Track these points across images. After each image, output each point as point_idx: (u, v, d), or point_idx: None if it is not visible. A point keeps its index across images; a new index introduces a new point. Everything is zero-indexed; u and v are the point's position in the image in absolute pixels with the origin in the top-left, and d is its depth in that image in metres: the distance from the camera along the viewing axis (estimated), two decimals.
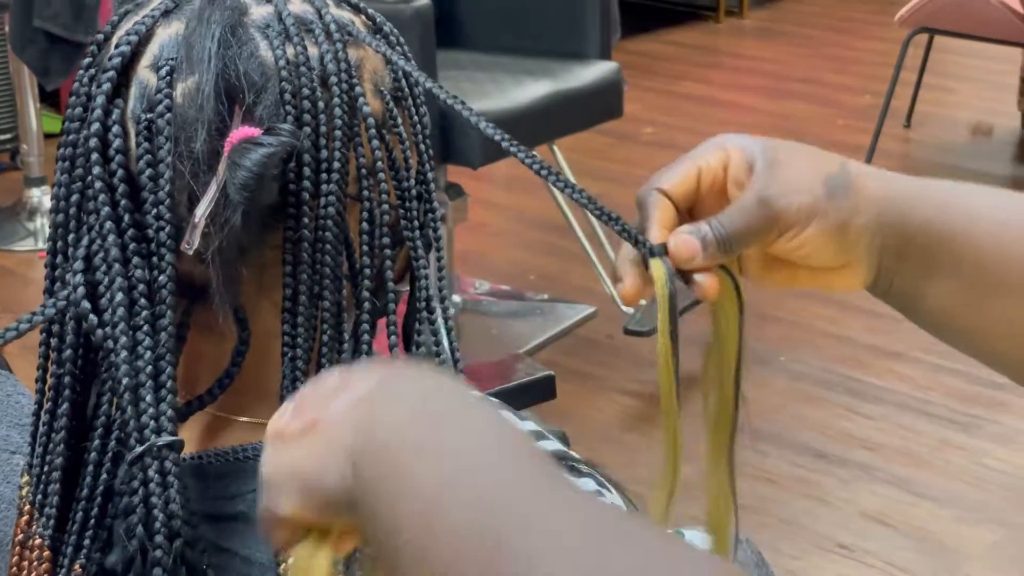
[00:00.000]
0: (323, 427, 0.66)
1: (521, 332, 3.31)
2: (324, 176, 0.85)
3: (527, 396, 1.93)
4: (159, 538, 0.80)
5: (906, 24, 4.25)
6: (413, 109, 0.91)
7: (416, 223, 0.91)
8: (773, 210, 0.78)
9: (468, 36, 3.39)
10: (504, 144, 0.86)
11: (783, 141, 0.82)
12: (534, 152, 0.88)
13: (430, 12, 2.84)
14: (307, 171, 0.84)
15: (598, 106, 3.21)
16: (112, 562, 0.87)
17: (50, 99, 4.45)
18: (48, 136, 4.08)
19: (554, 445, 1.24)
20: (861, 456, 2.83)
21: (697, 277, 0.80)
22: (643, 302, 3.19)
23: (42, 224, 3.92)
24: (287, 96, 0.84)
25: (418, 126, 0.92)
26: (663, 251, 0.80)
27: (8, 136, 4.29)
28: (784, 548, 2.52)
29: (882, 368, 3.17)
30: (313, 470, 0.66)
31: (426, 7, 2.83)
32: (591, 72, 3.20)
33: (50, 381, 0.88)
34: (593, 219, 3.43)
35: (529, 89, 3.07)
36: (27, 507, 0.90)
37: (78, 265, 0.84)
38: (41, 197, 3.96)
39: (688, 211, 0.83)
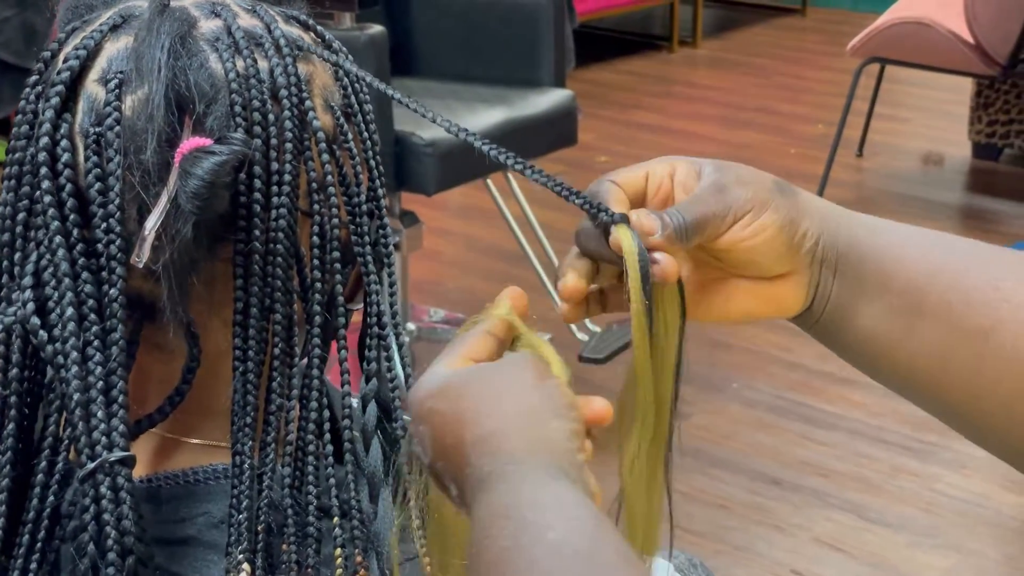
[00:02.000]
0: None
1: None
2: (275, 188, 0.85)
3: None
4: (111, 555, 0.79)
5: (857, 54, 4.29)
6: (363, 126, 0.92)
7: (367, 239, 0.91)
8: (729, 195, 0.80)
9: (422, 63, 3.39)
10: (463, 135, 0.85)
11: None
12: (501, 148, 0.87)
13: (384, 39, 2.85)
14: (258, 183, 0.84)
15: (552, 133, 3.22)
16: None
17: (1, 127, 4.41)
18: (0, 165, 4.05)
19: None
20: (815, 483, 2.84)
21: (658, 255, 0.79)
22: (597, 329, 3.19)
23: None
24: (237, 108, 0.84)
25: (368, 142, 0.92)
26: (625, 219, 0.79)
27: None
28: (739, 574, 2.52)
29: (835, 395, 3.18)
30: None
31: (380, 34, 2.83)
32: (545, 99, 3.21)
33: None
34: (548, 247, 3.44)
35: (483, 116, 3.08)
36: None
37: (27, 281, 0.84)
38: None
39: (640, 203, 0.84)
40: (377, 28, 2.85)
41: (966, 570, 2.57)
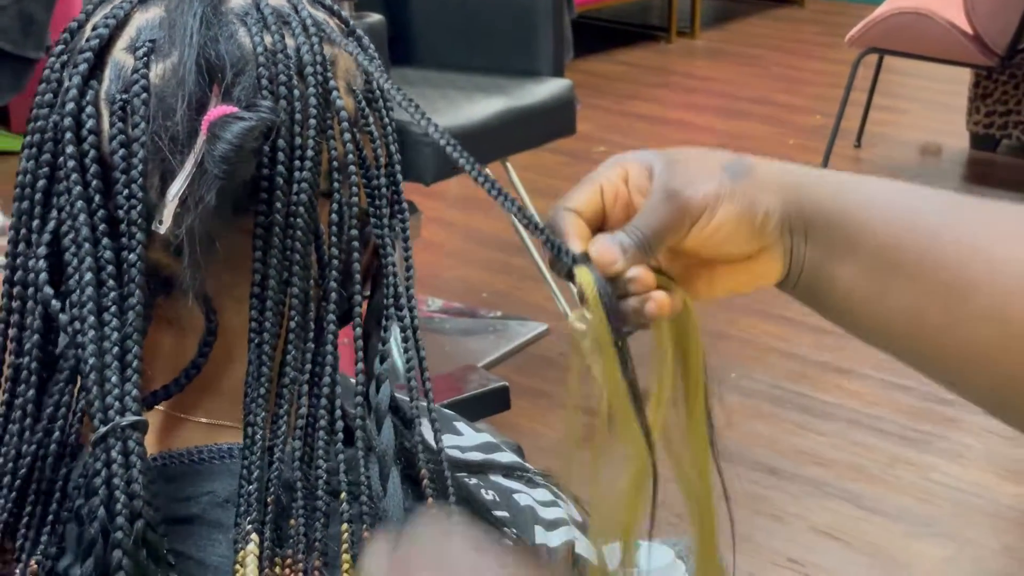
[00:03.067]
0: None
1: (474, 349, 3.30)
2: (298, 163, 0.86)
3: (482, 407, 1.93)
4: (120, 519, 0.79)
5: (856, 44, 4.29)
6: (384, 112, 0.92)
7: (385, 221, 0.92)
8: (681, 200, 0.79)
9: (421, 53, 3.40)
10: (452, 152, 0.86)
11: (678, 147, 0.84)
12: (487, 170, 0.88)
13: (383, 29, 2.85)
14: (281, 156, 0.85)
15: (551, 123, 3.22)
16: (64, 565, 0.87)
17: (0, 116, 4.42)
18: (1, 154, 4.05)
19: (509, 457, 1.24)
20: (812, 472, 2.85)
21: (655, 294, 0.80)
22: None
23: None
24: (264, 82, 0.85)
25: (388, 127, 0.93)
26: (586, 258, 0.80)
27: None
28: (737, 563, 2.52)
29: (832, 385, 3.19)
30: None
31: (379, 23, 2.83)
32: (544, 89, 3.21)
33: (7, 372, 0.88)
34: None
35: (481, 106, 3.08)
36: None
37: (42, 250, 0.85)
38: None
39: (598, 229, 0.83)
40: (376, 17, 2.85)
41: (963, 559, 2.58)
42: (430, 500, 0.89)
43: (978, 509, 2.73)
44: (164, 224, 0.83)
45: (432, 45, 3.39)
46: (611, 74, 5.81)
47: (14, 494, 0.87)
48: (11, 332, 0.88)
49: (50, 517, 0.87)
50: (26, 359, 0.86)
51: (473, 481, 1.05)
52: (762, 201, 0.81)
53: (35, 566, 0.87)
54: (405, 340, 0.93)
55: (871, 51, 4.32)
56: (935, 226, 0.80)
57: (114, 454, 0.80)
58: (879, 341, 0.85)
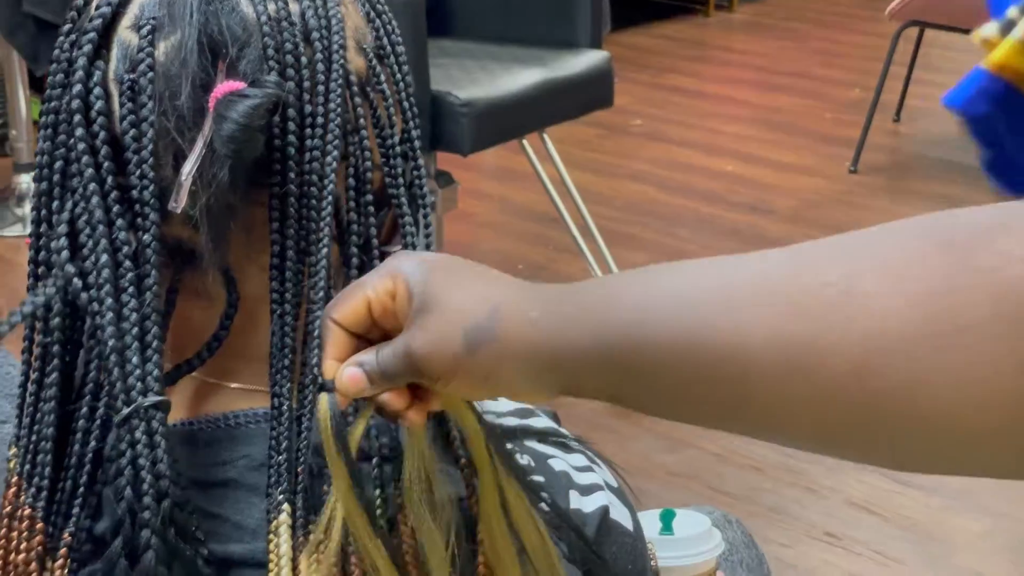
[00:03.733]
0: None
1: None
2: (309, 132, 0.85)
3: None
4: (147, 499, 0.80)
5: (896, 17, 4.26)
6: (396, 68, 0.92)
7: (401, 182, 0.91)
8: (415, 365, 0.77)
9: (459, 24, 3.39)
10: None
11: (451, 264, 0.79)
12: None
13: (421, 0, 2.84)
14: (292, 126, 0.85)
15: (589, 95, 3.21)
16: (102, 529, 0.87)
17: (39, 85, 4.43)
18: (37, 123, 4.07)
19: (544, 422, 1.24)
20: None
21: (406, 415, 0.80)
22: None
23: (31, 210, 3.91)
24: (270, 52, 0.84)
25: (401, 84, 0.92)
26: (329, 387, 0.80)
27: None
28: (772, 536, 2.52)
29: None
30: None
31: None
32: (582, 61, 3.20)
33: (36, 350, 0.88)
34: (584, 209, 3.43)
35: (520, 77, 3.07)
36: (15, 479, 0.90)
37: (62, 229, 0.85)
38: (30, 183, 3.93)
39: (369, 330, 0.81)
40: None
41: (999, 533, 2.57)
42: (463, 460, 0.89)
43: (1015, 483, 2.71)
44: (179, 204, 0.83)
45: (470, 16, 3.38)
46: (648, 47, 5.78)
47: (48, 469, 0.88)
48: (38, 312, 0.88)
49: (81, 490, 0.88)
50: (51, 338, 0.87)
51: (508, 446, 1.05)
52: (502, 372, 0.76)
53: (68, 537, 0.88)
54: None
55: (912, 24, 4.28)
56: (699, 328, 0.70)
57: (138, 435, 0.81)
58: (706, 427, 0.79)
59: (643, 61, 5.54)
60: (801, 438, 0.69)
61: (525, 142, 3.33)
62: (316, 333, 0.85)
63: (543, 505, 0.97)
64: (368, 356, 0.79)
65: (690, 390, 0.71)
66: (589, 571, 0.94)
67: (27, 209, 3.90)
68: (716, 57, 5.76)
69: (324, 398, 0.80)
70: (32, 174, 3.54)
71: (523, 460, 1.11)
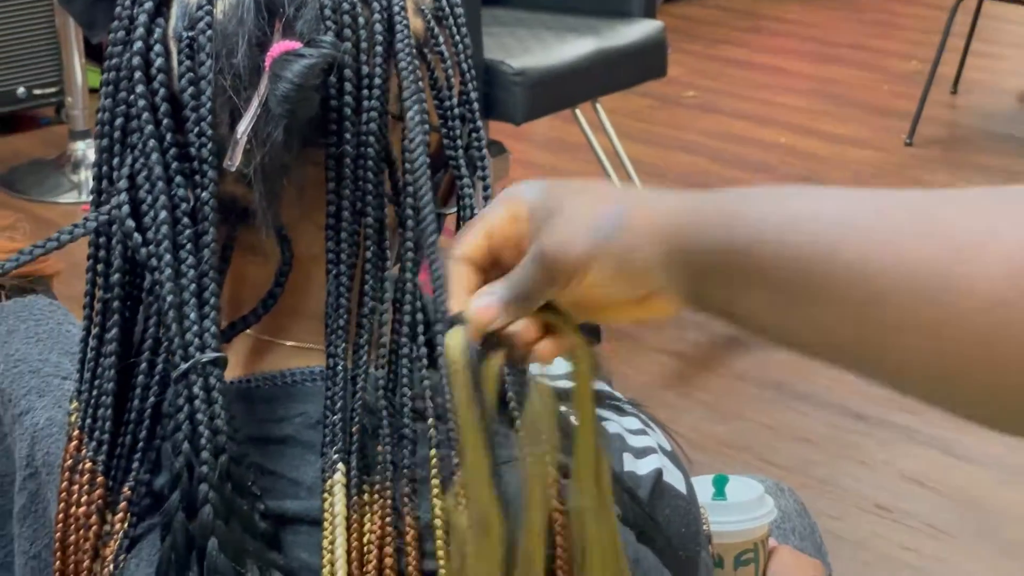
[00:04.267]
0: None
1: None
2: (365, 92, 0.85)
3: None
4: (205, 454, 0.81)
5: None
6: (455, 29, 0.92)
7: (459, 143, 0.91)
8: (549, 262, 0.77)
9: None
10: None
11: (568, 184, 0.80)
12: None
13: None
14: (348, 86, 0.85)
15: (642, 65, 3.20)
16: (161, 484, 0.88)
17: (95, 53, 4.47)
18: (93, 90, 4.10)
19: (598, 385, 1.24)
20: (901, 418, 2.82)
21: (536, 347, 0.79)
22: None
23: (86, 177, 3.94)
24: (327, 11, 0.84)
25: (460, 46, 0.92)
26: (460, 320, 0.78)
27: (54, 90, 4.31)
28: (823, 508, 2.51)
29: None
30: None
31: None
32: (635, 30, 3.19)
33: (97, 306, 0.89)
34: (637, 182, 3.42)
35: (573, 46, 3.07)
36: (76, 432, 0.91)
37: (122, 184, 0.85)
38: (85, 150, 3.98)
39: (494, 264, 0.81)
40: None
41: None
42: (518, 423, 0.89)
43: None
44: (234, 163, 0.83)
45: None
46: (702, 18, 5.74)
47: (108, 424, 0.89)
48: (99, 267, 0.89)
49: (140, 444, 0.89)
50: (112, 294, 0.88)
51: (562, 408, 1.05)
52: (639, 256, 0.77)
53: (128, 491, 0.89)
54: None
55: None
56: (834, 241, 0.71)
57: (196, 390, 0.82)
58: (808, 355, 0.81)
59: (696, 32, 5.51)
60: (916, 373, 0.68)
61: (578, 112, 3.33)
62: (429, 277, 0.85)
63: None
64: (497, 284, 0.79)
65: (816, 306, 0.70)
66: (642, 533, 0.94)
67: (83, 176, 3.94)
68: (770, 28, 5.72)
69: (456, 332, 0.78)
70: (88, 141, 3.56)
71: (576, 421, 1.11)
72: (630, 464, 1.10)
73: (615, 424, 1.15)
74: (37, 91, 4.31)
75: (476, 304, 0.78)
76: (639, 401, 1.28)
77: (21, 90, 4.28)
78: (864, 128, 4.45)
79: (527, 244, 0.79)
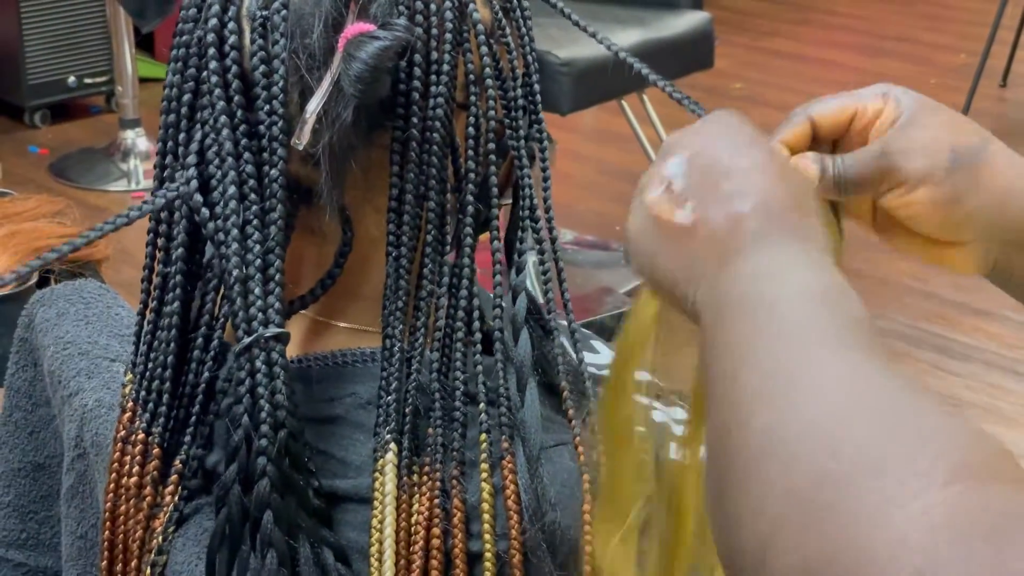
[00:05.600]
0: (700, 235, 0.68)
1: (606, 281, 3.30)
2: (434, 78, 0.86)
3: (616, 329, 1.92)
4: (264, 427, 0.82)
5: None
6: (521, 21, 0.92)
7: (521, 133, 0.92)
8: (889, 163, 0.79)
9: None
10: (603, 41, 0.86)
11: (939, 105, 0.82)
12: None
13: None
14: (417, 71, 0.86)
15: (689, 56, 3.19)
16: (213, 461, 0.90)
17: (145, 43, 4.50)
18: (143, 80, 4.13)
19: (644, 376, 1.24)
20: None
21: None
22: None
23: (135, 165, 3.98)
24: None
25: (526, 38, 0.93)
26: None
27: (104, 79, 4.35)
28: None
29: (969, 326, 3.13)
30: (671, 277, 0.69)
31: None
32: (682, 21, 3.18)
33: (156, 280, 0.90)
34: None
35: (619, 37, 3.06)
36: (130, 404, 0.93)
37: (191, 159, 0.86)
38: (135, 139, 4.02)
39: (833, 144, 0.83)
40: None
41: None
42: (570, 411, 0.90)
43: None
44: (302, 141, 0.84)
45: None
46: (750, 9, 5.72)
47: (165, 396, 0.90)
48: (160, 241, 0.90)
49: (193, 418, 0.90)
50: (173, 267, 0.89)
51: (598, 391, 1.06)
52: (969, 200, 0.79)
53: (179, 464, 0.90)
54: (541, 252, 0.94)
55: None
56: None
57: (258, 364, 0.82)
58: None
59: (744, 23, 5.49)
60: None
61: (624, 103, 3.32)
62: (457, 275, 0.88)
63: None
64: (824, 157, 0.80)
65: None
66: None
67: (132, 164, 3.97)
68: (818, 20, 5.69)
69: (650, 299, 0.79)
70: (137, 130, 3.56)
71: None
72: (675, 453, 1.11)
73: (661, 413, 1.15)
74: (88, 80, 4.35)
75: (802, 160, 0.80)
76: (684, 394, 1.28)
77: (72, 79, 4.32)
78: None
79: (869, 140, 0.81)
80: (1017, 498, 0.48)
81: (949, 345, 3.08)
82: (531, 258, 0.95)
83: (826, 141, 0.83)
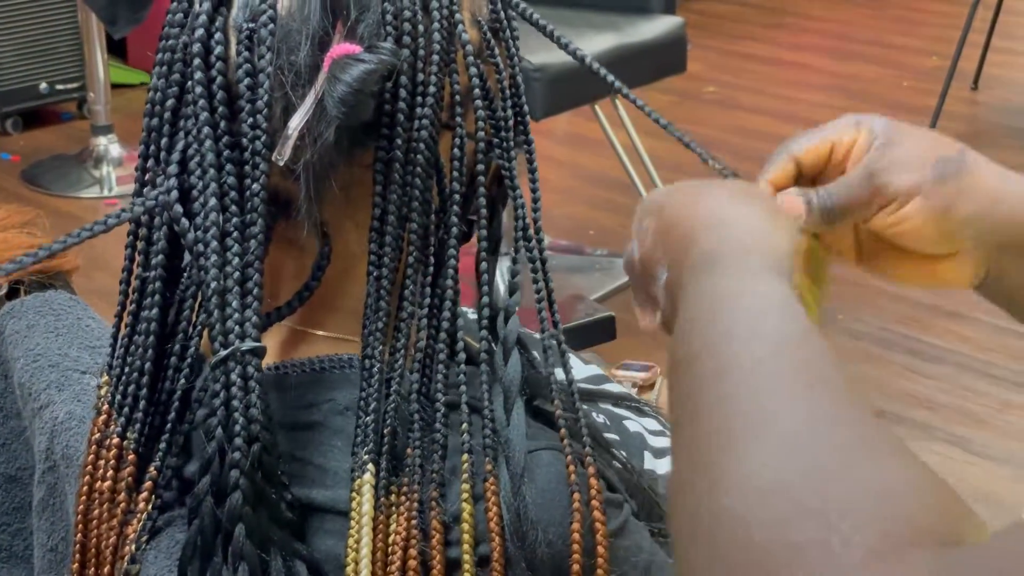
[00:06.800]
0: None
1: (580, 286, 3.31)
2: (420, 99, 0.86)
3: (588, 336, 1.93)
4: (238, 440, 0.82)
5: None
6: (510, 42, 0.92)
7: (511, 153, 0.92)
8: (876, 183, 0.80)
9: None
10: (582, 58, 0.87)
11: (911, 125, 0.83)
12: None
13: None
14: (403, 92, 0.86)
15: (661, 61, 3.20)
16: (191, 471, 0.89)
17: (117, 50, 4.49)
18: (115, 86, 4.12)
19: (619, 388, 1.25)
20: (920, 416, 2.82)
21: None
22: None
23: (108, 172, 3.96)
24: (388, 17, 0.85)
25: (515, 58, 0.93)
26: None
27: (76, 85, 4.34)
28: None
29: (942, 328, 3.15)
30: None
31: None
32: (655, 26, 3.19)
33: (135, 284, 0.90)
34: (656, 176, 3.42)
35: (592, 42, 3.06)
36: (105, 407, 0.92)
37: (172, 169, 0.86)
38: (107, 145, 4.00)
39: (812, 180, 0.84)
40: None
41: None
42: (563, 431, 0.89)
43: None
44: (283, 157, 0.84)
45: None
46: (723, 13, 5.74)
47: (141, 402, 0.90)
48: (139, 246, 0.90)
49: (168, 426, 0.90)
50: (152, 273, 0.89)
51: (585, 407, 1.06)
52: (961, 209, 0.80)
53: (154, 471, 0.90)
54: (534, 272, 0.93)
55: None
56: None
57: (233, 377, 0.82)
58: None
59: (717, 27, 5.50)
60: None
61: (597, 108, 3.33)
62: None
63: (616, 463, 0.98)
64: (807, 190, 0.81)
65: None
66: (660, 531, 0.95)
67: (104, 171, 3.96)
68: (791, 24, 5.71)
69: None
70: (108, 136, 3.54)
71: (599, 419, 1.11)
72: (649, 463, 1.11)
73: (635, 423, 1.16)
74: (59, 86, 4.33)
75: (788, 196, 0.81)
76: (659, 406, 1.29)
77: (43, 85, 4.30)
78: None
79: (849, 169, 0.82)
80: (931, 566, 0.49)
81: (921, 348, 3.09)
82: (501, 273, 0.95)
83: (808, 177, 0.84)
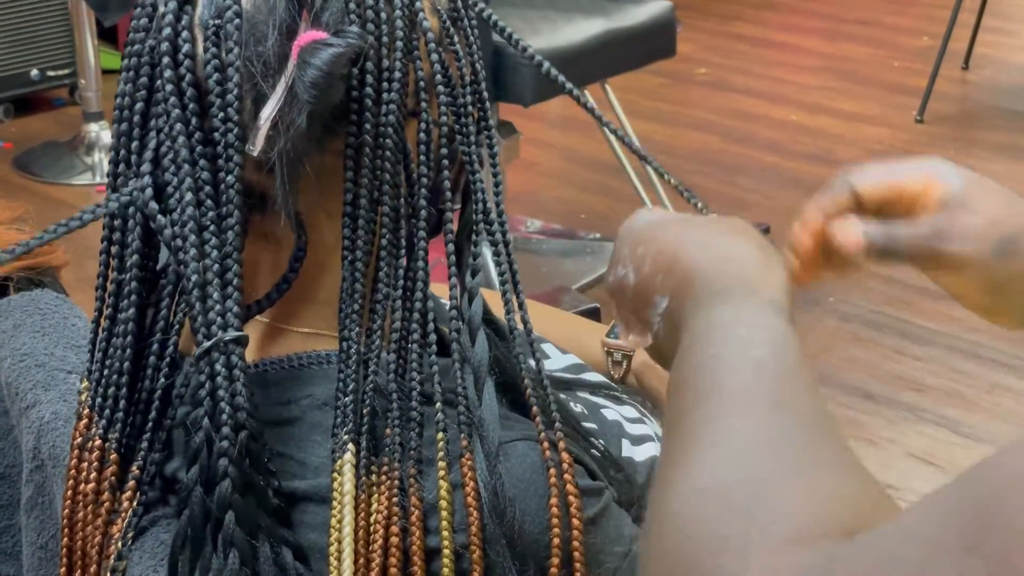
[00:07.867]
0: None
1: (571, 270, 3.32)
2: (385, 85, 0.88)
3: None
4: (225, 429, 0.83)
5: None
6: (469, 30, 0.94)
7: (471, 138, 0.94)
8: (939, 248, 0.81)
9: None
10: (559, 80, 0.88)
11: (986, 181, 0.84)
12: (587, 94, 0.91)
13: None
14: (370, 79, 0.87)
15: (651, 45, 3.20)
16: (173, 468, 0.91)
17: (108, 35, 4.48)
18: (106, 72, 4.12)
19: (597, 377, 1.26)
20: (909, 397, 2.83)
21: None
22: None
23: (100, 159, 3.96)
24: (352, 6, 0.87)
25: (474, 46, 0.94)
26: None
27: (67, 71, 4.33)
28: None
29: (932, 310, 3.16)
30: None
31: None
32: (644, 10, 3.19)
33: (111, 287, 0.91)
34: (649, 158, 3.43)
35: (581, 27, 3.07)
36: (86, 411, 0.93)
37: (146, 167, 0.87)
38: (99, 132, 4.00)
39: (875, 211, 0.85)
40: None
41: None
42: (534, 409, 0.91)
43: None
44: (256, 147, 0.85)
45: None
46: None
47: (122, 402, 0.91)
48: (113, 249, 0.91)
49: (149, 425, 0.91)
50: (128, 274, 0.90)
51: (562, 396, 1.07)
52: (1013, 289, 0.81)
53: (136, 470, 0.91)
54: (497, 255, 0.95)
55: None
56: None
57: (218, 367, 0.83)
58: None
59: (708, 9, 5.50)
60: None
61: (587, 92, 3.33)
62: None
63: (594, 451, 0.99)
64: (873, 226, 0.82)
65: None
66: (639, 517, 0.96)
67: (96, 157, 3.96)
68: (782, 5, 5.71)
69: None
70: (101, 123, 3.55)
71: (577, 407, 1.13)
72: (628, 451, 1.12)
73: (613, 412, 1.17)
74: (50, 73, 4.33)
75: (847, 227, 0.82)
76: (637, 392, 1.30)
77: (35, 72, 4.30)
78: (875, 105, 4.45)
79: (918, 213, 0.82)
80: (828, 553, 0.54)
81: (911, 330, 3.10)
82: (489, 257, 0.96)
83: (868, 210, 0.84)
